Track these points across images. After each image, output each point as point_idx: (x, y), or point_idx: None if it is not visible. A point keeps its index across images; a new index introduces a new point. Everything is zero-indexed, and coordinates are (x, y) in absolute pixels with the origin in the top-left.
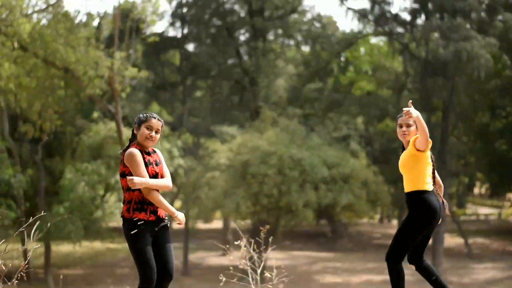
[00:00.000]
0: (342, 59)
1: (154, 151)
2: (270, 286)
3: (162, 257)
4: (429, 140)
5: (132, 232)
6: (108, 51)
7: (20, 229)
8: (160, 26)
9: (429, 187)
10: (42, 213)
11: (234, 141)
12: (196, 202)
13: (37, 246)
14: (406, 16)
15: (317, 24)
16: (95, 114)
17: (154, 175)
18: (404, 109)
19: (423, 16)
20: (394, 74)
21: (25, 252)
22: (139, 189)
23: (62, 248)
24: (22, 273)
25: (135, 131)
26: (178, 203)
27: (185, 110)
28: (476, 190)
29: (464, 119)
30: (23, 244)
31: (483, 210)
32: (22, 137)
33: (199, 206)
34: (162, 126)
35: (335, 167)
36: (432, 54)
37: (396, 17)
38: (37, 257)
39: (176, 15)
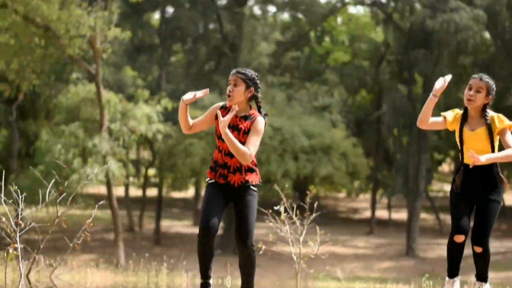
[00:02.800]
0: (319, 28)
1: (249, 118)
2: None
3: (236, 222)
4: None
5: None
6: (91, 9)
7: None
8: None
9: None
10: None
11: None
12: (172, 169)
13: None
14: None
15: None
16: (74, 75)
17: (220, 136)
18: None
19: None
20: (373, 45)
21: None
22: (218, 148)
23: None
24: None
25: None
26: (153, 170)
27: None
28: (445, 167)
29: (445, 93)
30: None
31: (447, 187)
32: None
33: (175, 174)
34: (243, 78)
35: (315, 137)
36: (417, 25)
37: None
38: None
39: None
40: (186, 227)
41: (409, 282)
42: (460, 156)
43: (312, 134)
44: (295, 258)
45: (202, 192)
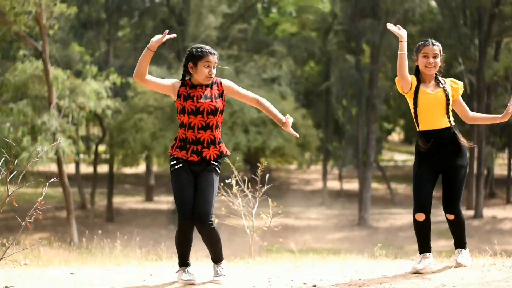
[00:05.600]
0: (265, 0)
1: (214, 84)
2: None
3: (195, 199)
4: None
5: (171, 170)
6: None
7: None
8: None
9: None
10: None
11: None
12: (123, 145)
13: None
14: None
15: None
16: (21, 53)
17: (192, 111)
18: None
19: None
20: (320, 16)
21: None
22: (184, 126)
23: None
24: None
25: (190, 70)
26: (103, 146)
27: (113, 50)
28: (395, 136)
29: (393, 62)
30: None
31: (398, 157)
32: None
33: (126, 149)
34: (217, 60)
35: None
36: None
37: None
38: None
39: None
40: (138, 203)
41: (362, 252)
42: (416, 123)
43: None
44: (248, 231)
45: (154, 168)
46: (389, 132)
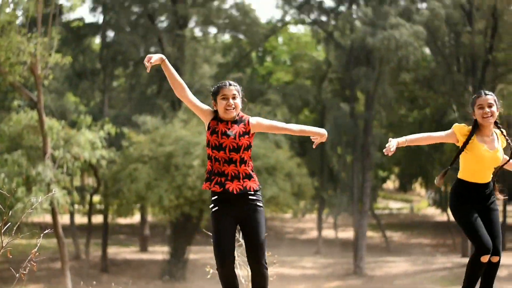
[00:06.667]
0: (260, 49)
1: (241, 122)
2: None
3: (246, 241)
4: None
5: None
6: (30, 35)
7: None
8: (80, 11)
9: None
10: None
11: (157, 131)
12: (118, 195)
13: None
14: (331, 3)
15: (236, 12)
16: (16, 103)
17: (216, 146)
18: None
19: (347, 4)
20: (315, 64)
21: None
22: (210, 158)
23: None
24: None
25: (214, 107)
26: (98, 197)
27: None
28: (390, 184)
29: (387, 109)
30: None
31: (393, 204)
32: None
33: (121, 199)
34: (239, 90)
35: (260, 158)
36: (358, 43)
37: (320, 4)
38: None
39: (97, 0)
40: (133, 253)
41: None
42: (464, 173)
43: (257, 155)
44: (243, 281)
45: (148, 218)
46: (384, 180)
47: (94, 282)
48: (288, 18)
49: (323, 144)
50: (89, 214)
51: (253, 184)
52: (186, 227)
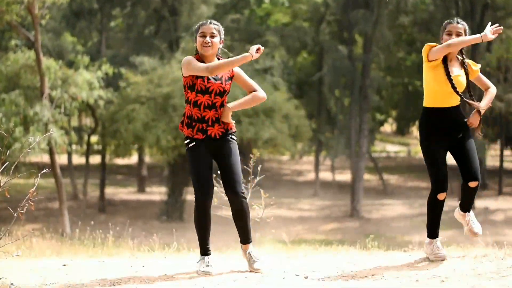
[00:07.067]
0: None
1: None
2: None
3: (223, 174)
4: (440, 48)
5: (186, 149)
6: None
7: None
8: None
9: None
10: None
11: (154, 72)
12: (115, 135)
13: None
14: None
15: None
16: (13, 42)
17: (202, 90)
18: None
19: None
20: (313, 6)
21: None
22: (190, 103)
23: None
24: None
25: (195, 45)
26: (95, 137)
27: (105, 40)
28: (388, 127)
29: (386, 52)
30: None
31: (390, 148)
32: None
33: (118, 140)
34: (218, 29)
35: None
36: None
37: None
38: None
39: None
40: (130, 193)
41: (354, 243)
42: (431, 99)
43: None
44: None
45: (146, 158)
46: (381, 123)
47: (92, 222)
48: None
49: (321, 86)
50: (87, 154)
51: (233, 126)
52: (183, 168)
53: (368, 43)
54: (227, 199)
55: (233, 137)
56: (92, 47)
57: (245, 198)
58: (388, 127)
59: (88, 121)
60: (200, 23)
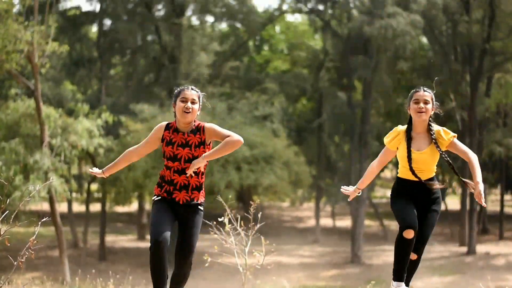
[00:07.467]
0: (257, 37)
1: (197, 131)
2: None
3: (180, 238)
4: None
5: (152, 203)
6: (27, 24)
7: None
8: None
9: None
10: None
11: (154, 120)
12: (115, 183)
13: None
14: None
15: (233, 1)
16: (13, 91)
17: (171, 157)
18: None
19: None
20: (312, 53)
21: None
22: (164, 166)
23: None
24: None
25: (174, 110)
26: (95, 185)
27: (105, 88)
28: (387, 173)
29: (385, 98)
30: None
31: (390, 193)
32: None
33: (118, 188)
34: (199, 96)
35: (257, 147)
36: (355, 31)
37: None
38: None
39: None
40: (131, 241)
41: None
42: (400, 170)
43: (254, 144)
44: (241, 269)
45: (146, 206)
46: (381, 169)
47: (92, 270)
48: (285, 6)
49: (321, 132)
50: (87, 202)
51: (201, 197)
52: None
53: (367, 89)
54: (174, 259)
55: (200, 207)
56: (92, 95)
57: (191, 264)
58: (388, 172)
59: (88, 169)
60: (180, 87)
